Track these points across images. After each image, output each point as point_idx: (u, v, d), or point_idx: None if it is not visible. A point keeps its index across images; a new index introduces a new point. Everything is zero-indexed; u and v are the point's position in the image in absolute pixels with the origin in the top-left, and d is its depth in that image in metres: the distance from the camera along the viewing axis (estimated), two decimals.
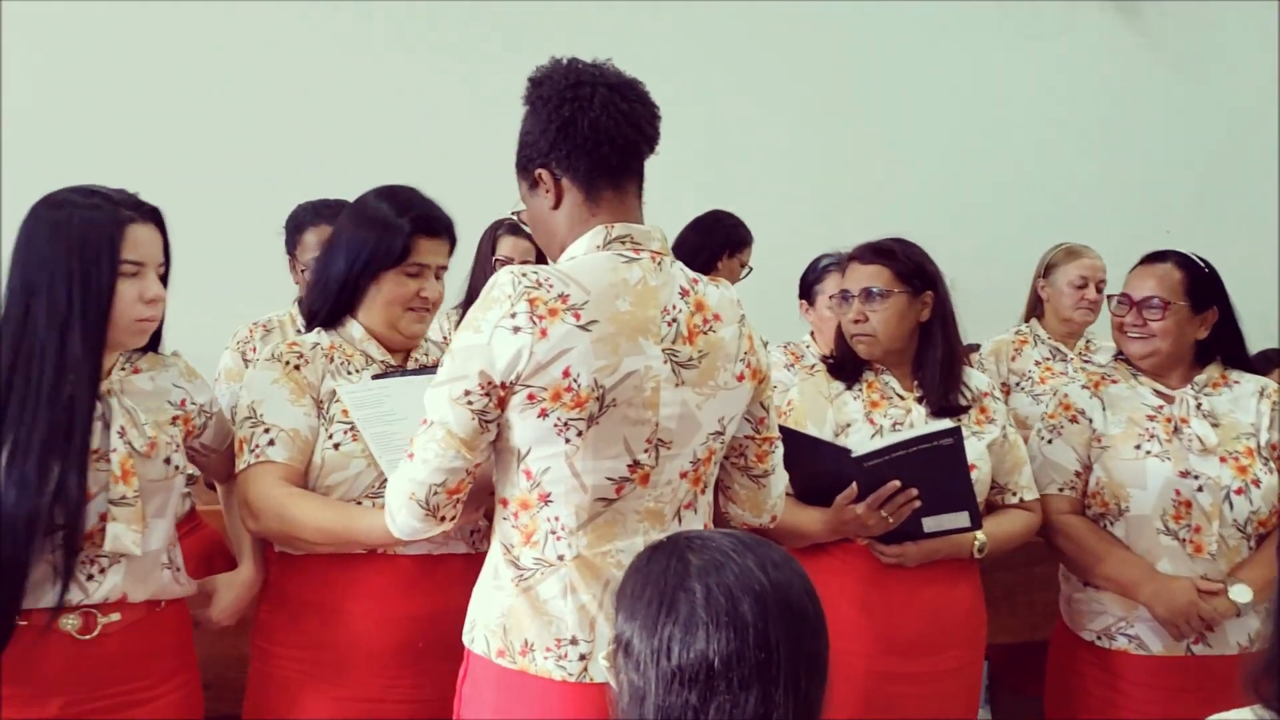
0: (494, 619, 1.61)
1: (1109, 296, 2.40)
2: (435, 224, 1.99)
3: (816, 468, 2.10)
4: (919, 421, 2.23)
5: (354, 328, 2.01)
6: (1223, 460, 2.22)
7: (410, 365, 2.02)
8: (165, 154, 3.77)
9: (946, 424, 2.13)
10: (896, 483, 2.05)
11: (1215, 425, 2.26)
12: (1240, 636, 2.21)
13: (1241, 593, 2.16)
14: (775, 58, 4.59)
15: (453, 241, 2.04)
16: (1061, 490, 2.32)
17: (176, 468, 1.85)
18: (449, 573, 1.93)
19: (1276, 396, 2.32)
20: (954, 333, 2.28)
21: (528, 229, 1.73)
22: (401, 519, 1.60)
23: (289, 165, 3.84)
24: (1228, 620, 2.17)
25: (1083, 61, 4.90)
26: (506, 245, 3.16)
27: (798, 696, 1.13)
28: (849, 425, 2.23)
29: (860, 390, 2.28)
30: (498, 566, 1.62)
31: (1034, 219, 4.48)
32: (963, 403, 2.26)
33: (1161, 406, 2.30)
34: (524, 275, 1.54)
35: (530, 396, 1.52)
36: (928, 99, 4.74)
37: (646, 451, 1.58)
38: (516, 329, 1.50)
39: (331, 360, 1.97)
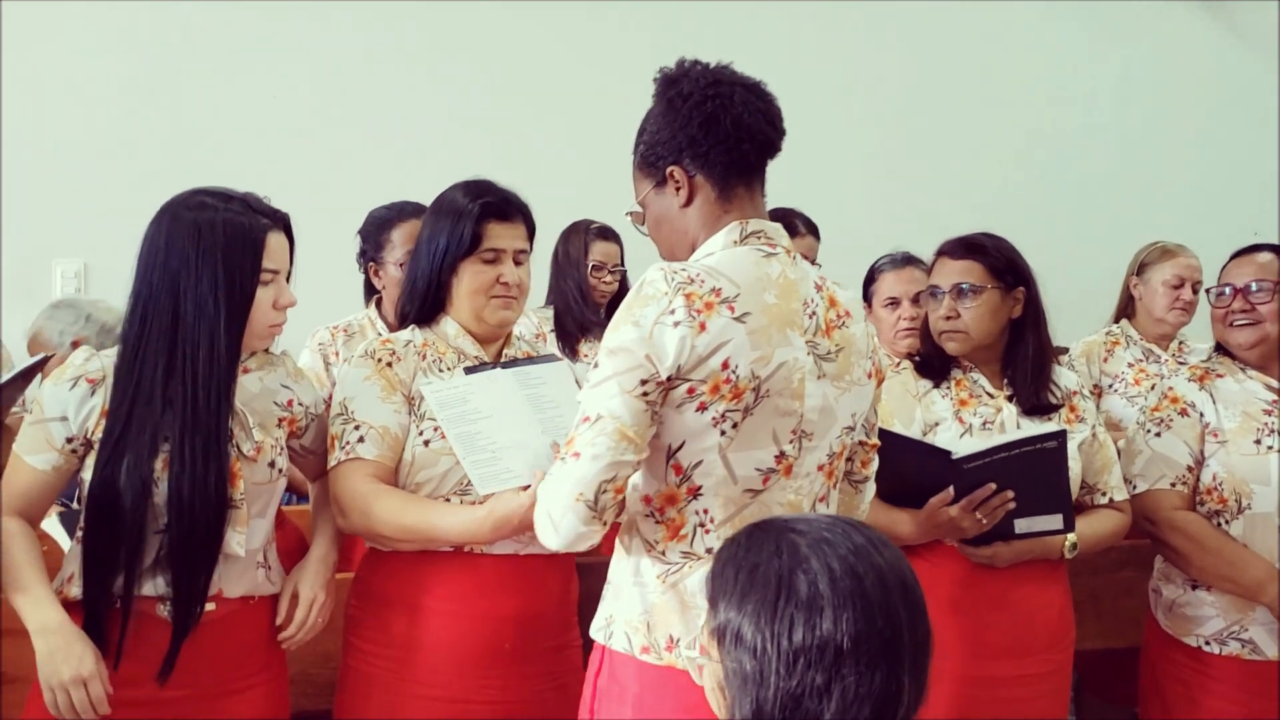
0: (636, 615, 1.59)
1: (1207, 291, 2.34)
2: (506, 207, 1.99)
3: (910, 469, 2.07)
4: (1010, 420, 2.18)
5: (448, 324, 2.01)
6: None
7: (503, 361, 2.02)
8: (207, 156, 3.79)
9: (1051, 426, 2.09)
10: (993, 485, 2.01)
11: None
12: None
13: None
14: (852, 57, 4.55)
15: (529, 225, 2.03)
16: (1174, 485, 2.24)
17: (280, 471, 1.87)
18: (534, 572, 1.93)
19: None
20: (1045, 330, 2.24)
21: (642, 230, 1.72)
22: (567, 523, 1.52)
23: (345, 168, 3.88)
24: None
25: (1170, 60, 4.80)
26: (599, 250, 3.15)
27: (916, 678, 1.11)
28: (937, 424, 2.20)
29: (948, 388, 2.24)
30: (639, 563, 1.60)
31: (1121, 222, 4.40)
32: (1053, 401, 2.22)
33: (1276, 400, 2.23)
34: (675, 272, 1.54)
35: (690, 390, 1.51)
36: (1011, 99, 4.66)
37: (791, 442, 1.58)
38: (677, 323, 1.49)
39: (424, 358, 1.98)
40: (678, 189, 1.62)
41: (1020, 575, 2.14)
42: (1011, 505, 2.04)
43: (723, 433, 1.53)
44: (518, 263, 2.01)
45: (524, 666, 1.93)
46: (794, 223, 3.29)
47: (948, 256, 2.25)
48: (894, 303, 2.77)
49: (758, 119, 1.59)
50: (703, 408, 1.52)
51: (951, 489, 2.03)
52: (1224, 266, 2.33)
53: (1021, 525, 2.09)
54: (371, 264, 2.80)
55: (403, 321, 2.05)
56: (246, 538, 1.78)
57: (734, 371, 1.51)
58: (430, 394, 1.88)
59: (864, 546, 1.13)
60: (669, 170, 1.61)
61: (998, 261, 2.20)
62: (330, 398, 2.00)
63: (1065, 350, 3.28)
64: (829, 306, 1.63)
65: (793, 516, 1.22)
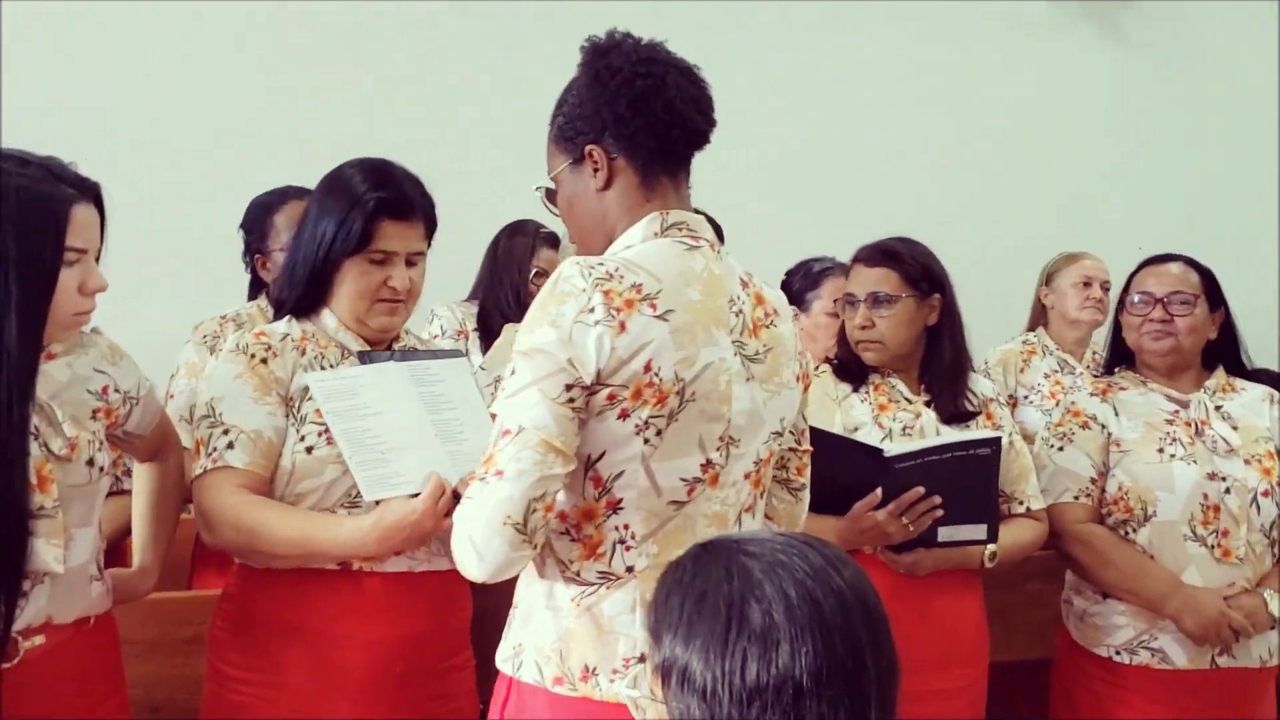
0: (548, 643, 1.44)
1: (1123, 298, 2.32)
2: (403, 204, 1.80)
3: (838, 469, 1.99)
4: (929, 426, 2.14)
5: (327, 317, 1.83)
6: (1247, 462, 2.18)
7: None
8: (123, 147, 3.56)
9: (987, 433, 2.05)
10: (921, 489, 1.95)
11: (1234, 428, 2.21)
12: (1263, 650, 2.16)
13: (1276, 600, 2.11)
14: (774, 59, 4.49)
15: (430, 225, 1.86)
16: (1077, 498, 2.23)
17: (101, 468, 1.64)
18: (429, 591, 1.77)
19: None
20: (961, 336, 2.21)
21: (552, 210, 1.57)
22: (494, 551, 1.35)
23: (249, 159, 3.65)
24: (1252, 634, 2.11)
25: (1071, 70, 4.87)
26: (545, 258, 2.98)
27: (884, 709, 0.99)
28: (857, 429, 2.14)
29: (867, 393, 2.19)
30: (552, 585, 1.46)
31: (1030, 226, 4.44)
32: (970, 409, 2.17)
33: (1178, 411, 2.24)
34: (592, 267, 1.41)
35: (611, 396, 1.38)
36: (921, 106, 4.66)
37: (719, 450, 1.46)
38: (596, 322, 1.37)
39: (303, 353, 1.79)
40: (596, 170, 1.48)
41: (939, 586, 2.10)
42: (939, 512, 1.98)
43: (646, 441, 1.40)
44: (411, 264, 1.83)
45: (414, 690, 1.78)
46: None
47: (863, 264, 2.20)
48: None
49: (690, 106, 1.47)
50: (624, 415, 1.39)
51: (880, 490, 1.97)
52: (1135, 274, 2.32)
53: (945, 534, 2.04)
54: (257, 255, 2.60)
55: (279, 311, 1.86)
56: (68, 551, 1.56)
57: (657, 374, 1.39)
58: (316, 384, 1.69)
59: (822, 568, 1.01)
60: (588, 149, 1.48)
61: (913, 269, 2.16)
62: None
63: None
64: (756, 304, 1.52)
65: (745, 536, 1.09)
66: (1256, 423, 2.23)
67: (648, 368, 1.38)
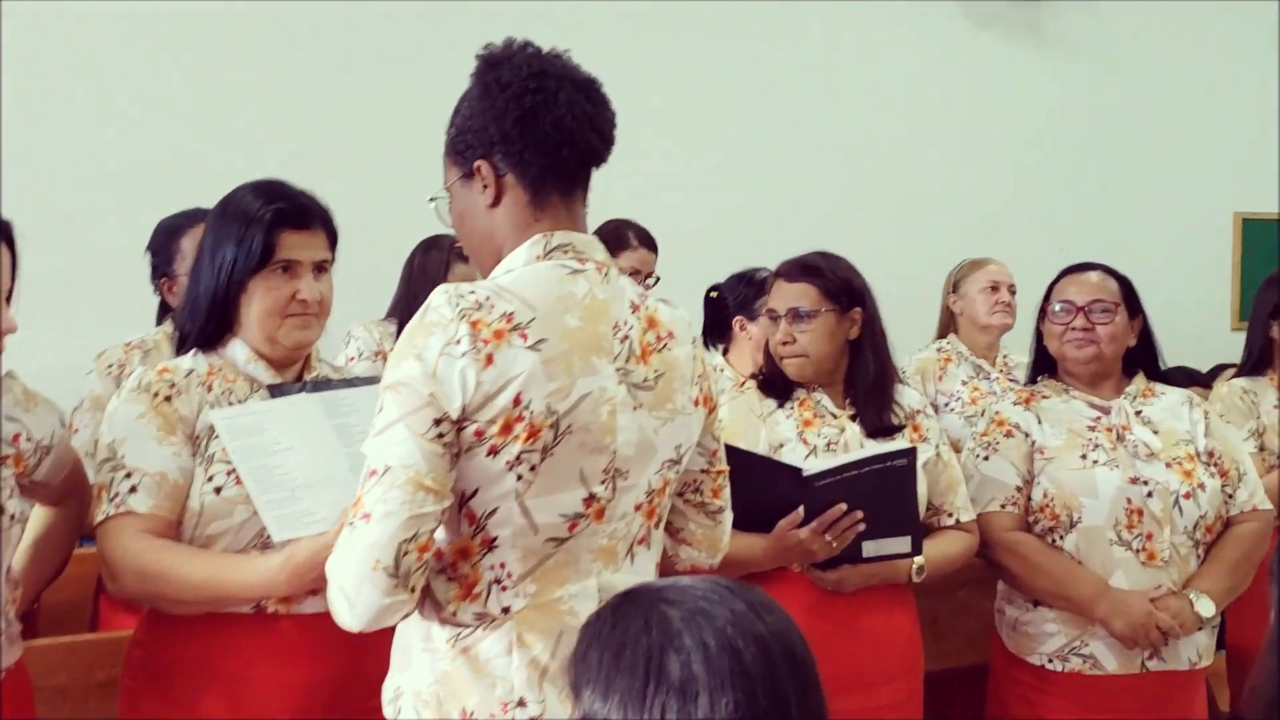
0: (426, 686, 1.39)
1: (1044, 307, 2.33)
2: (302, 213, 1.75)
3: (759, 490, 1.97)
4: (853, 440, 2.13)
5: (236, 348, 1.76)
6: (1168, 466, 2.20)
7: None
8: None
9: (901, 444, 2.04)
10: (843, 505, 1.94)
11: (1155, 433, 2.24)
12: (1191, 652, 2.17)
13: (1206, 606, 2.12)
14: (683, 62, 4.46)
15: (331, 233, 1.81)
16: (1004, 507, 2.24)
17: (12, 516, 1.58)
18: (347, 632, 1.70)
19: (1204, 405, 2.34)
20: (884, 349, 2.20)
21: (446, 222, 1.51)
22: (366, 598, 1.29)
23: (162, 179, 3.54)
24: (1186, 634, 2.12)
25: (991, 75, 4.91)
26: (460, 273, 2.91)
27: None
28: (782, 445, 2.12)
29: (792, 408, 2.18)
30: (430, 626, 1.40)
31: (942, 232, 4.47)
32: (896, 421, 2.16)
33: (1099, 417, 2.26)
34: (461, 295, 1.35)
35: (478, 433, 1.32)
36: (849, 112, 4.67)
37: (603, 483, 1.40)
38: (461, 355, 1.31)
39: (210, 389, 1.72)
40: (485, 187, 1.43)
41: (868, 602, 2.08)
42: (861, 527, 1.97)
43: (519, 477, 1.35)
44: (318, 275, 1.77)
45: None
46: (625, 235, 3.16)
47: (784, 279, 2.19)
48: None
49: (582, 123, 1.41)
50: (494, 451, 1.33)
51: (802, 509, 1.95)
52: (1056, 282, 2.34)
53: (869, 548, 2.02)
54: (164, 279, 2.52)
55: (182, 345, 1.78)
56: None
57: (527, 408, 1.33)
58: (221, 421, 1.63)
59: (744, 614, 0.98)
60: (476, 164, 1.43)
61: (832, 283, 2.15)
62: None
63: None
64: (646, 328, 1.46)
65: (666, 583, 1.05)
66: (1176, 426, 2.25)
67: (517, 401, 1.33)
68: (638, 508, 1.46)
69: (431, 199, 1.51)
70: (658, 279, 3.24)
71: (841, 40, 4.67)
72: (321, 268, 1.78)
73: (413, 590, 1.31)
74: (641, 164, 4.24)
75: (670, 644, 0.96)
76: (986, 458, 2.27)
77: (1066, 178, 4.98)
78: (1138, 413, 2.26)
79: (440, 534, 1.36)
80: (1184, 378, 3.83)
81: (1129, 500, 2.15)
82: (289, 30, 3.91)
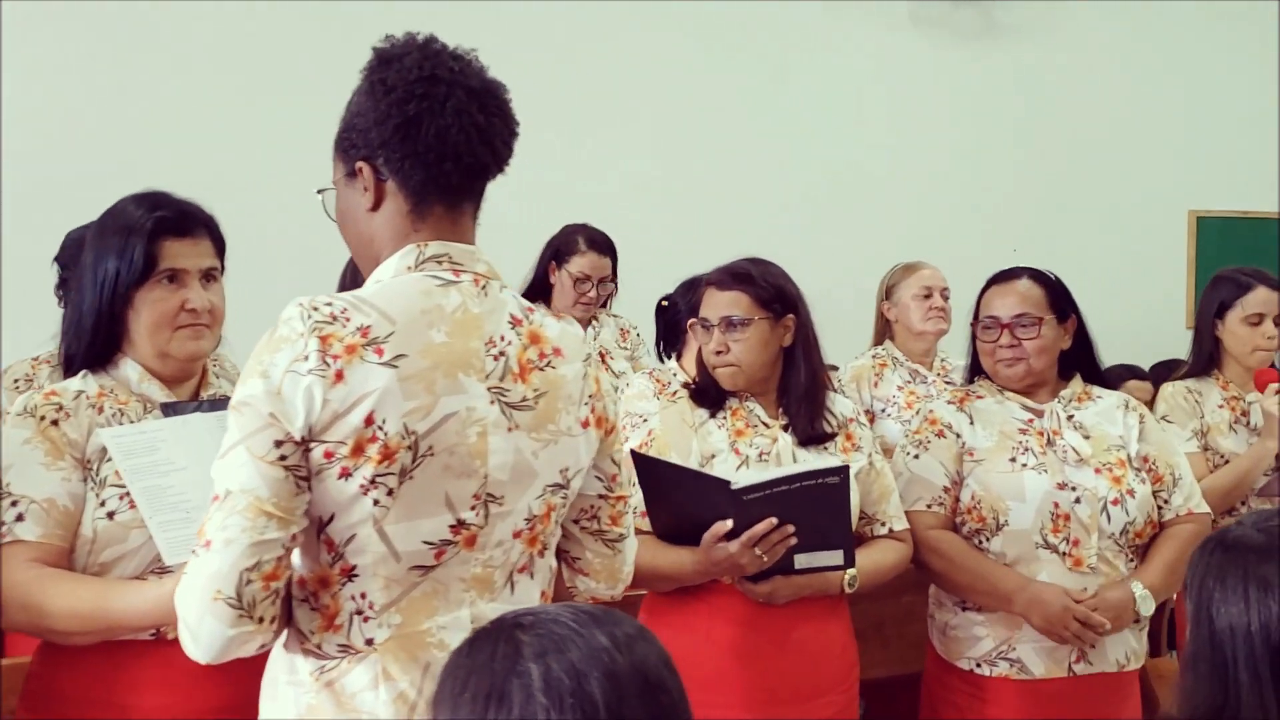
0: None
1: (973, 323, 2.32)
2: (185, 220, 1.70)
3: (687, 503, 1.94)
4: (785, 451, 2.10)
5: (128, 367, 1.71)
6: (1097, 471, 2.18)
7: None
8: None
9: (834, 460, 2.01)
10: (774, 520, 1.89)
11: (1086, 437, 2.22)
12: (1119, 654, 2.16)
13: (1147, 604, 2.11)
14: (616, 65, 4.44)
15: (217, 241, 1.76)
16: (930, 506, 2.22)
17: None
18: (247, 658, 1.65)
19: (1140, 409, 2.32)
20: (817, 357, 2.17)
21: (331, 216, 1.45)
22: (209, 630, 1.24)
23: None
24: (1112, 629, 2.10)
25: (926, 79, 4.91)
26: None
27: None
28: (714, 456, 2.08)
29: (725, 418, 2.14)
30: (294, 659, 1.34)
31: (894, 235, 4.46)
32: (828, 430, 2.14)
33: (1031, 420, 2.25)
34: (315, 308, 1.28)
35: (327, 454, 1.26)
36: (782, 119, 4.65)
37: (474, 509, 1.34)
38: (308, 372, 1.25)
39: (100, 410, 1.67)
40: (365, 189, 1.37)
41: (801, 614, 2.05)
42: (792, 541, 1.93)
43: (376, 502, 1.28)
44: (207, 284, 1.72)
45: None
46: (574, 239, 3.13)
47: (715, 288, 2.15)
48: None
49: (469, 136, 1.34)
50: (346, 474, 1.26)
51: (730, 521, 1.91)
52: (984, 292, 2.32)
53: (801, 561, 1.99)
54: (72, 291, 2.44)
55: (69, 366, 1.73)
56: None
57: (381, 428, 1.26)
58: (112, 440, 1.58)
59: (601, 645, 0.95)
60: (358, 165, 1.37)
61: (765, 291, 2.11)
62: None
63: (835, 368, 3.24)
64: (528, 344, 1.39)
65: (526, 612, 1.02)
66: (1109, 431, 2.24)
67: (369, 420, 1.26)
68: (517, 534, 1.39)
69: (320, 191, 1.45)
70: (615, 284, 3.21)
71: (790, 45, 4.66)
72: (210, 276, 1.73)
73: (262, 620, 1.25)
74: (573, 172, 4.24)
75: (514, 671, 0.94)
76: (917, 456, 2.25)
77: (1020, 178, 4.99)
78: (1070, 417, 2.24)
79: (300, 562, 1.31)
80: (1126, 373, 3.84)
81: (1056, 505, 2.13)
82: (286, 30, 3.88)
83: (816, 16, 4.66)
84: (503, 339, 1.37)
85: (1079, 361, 2.31)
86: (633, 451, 2.02)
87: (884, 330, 3.34)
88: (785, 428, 2.12)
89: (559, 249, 3.13)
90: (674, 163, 4.46)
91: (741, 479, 1.93)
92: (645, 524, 2.06)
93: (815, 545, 1.96)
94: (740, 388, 2.13)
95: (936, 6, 4.82)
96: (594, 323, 3.19)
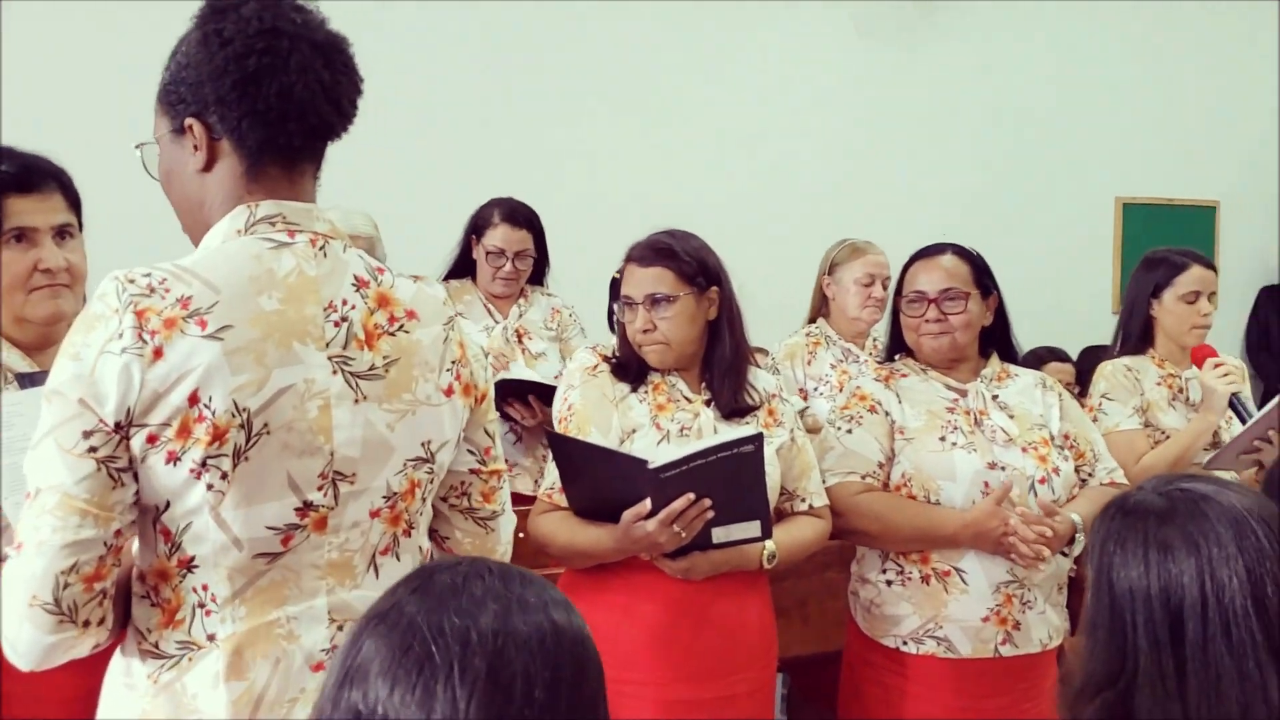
0: None
1: (897, 295, 2.31)
2: (32, 175, 1.61)
3: (604, 481, 1.91)
4: (707, 425, 2.07)
5: None
6: (1024, 451, 2.19)
7: None
8: None
9: (748, 430, 1.97)
10: (691, 495, 1.86)
11: (1011, 417, 2.22)
12: (1043, 634, 2.17)
13: (1080, 541, 2.11)
14: (566, 45, 4.38)
15: (71, 197, 1.67)
16: (864, 478, 2.20)
17: None
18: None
19: (1058, 388, 2.34)
20: (740, 330, 2.14)
21: (153, 175, 1.35)
22: (26, 639, 1.16)
23: None
24: (1049, 551, 2.09)
25: (872, 65, 4.91)
26: None
27: None
28: (634, 430, 2.05)
29: (646, 393, 2.10)
30: (130, 661, 1.26)
31: (830, 222, 4.43)
32: (751, 404, 2.12)
33: (957, 399, 2.24)
34: (132, 280, 1.18)
35: (151, 438, 1.17)
36: (714, 98, 4.62)
37: (321, 489, 1.25)
38: (123, 351, 1.16)
39: None
40: (195, 148, 1.27)
41: (720, 590, 2.03)
42: (710, 515, 1.90)
43: (209, 486, 1.19)
44: (63, 238, 1.64)
45: None
46: (489, 212, 3.06)
47: (637, 264, 2.09)
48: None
49: (315, 94, 1.24)
50: (174, 458, 1.17)
51: (648, 502, 1.87)
52: (908, 267, 2.31)
53: (719, 534, 1.97)
54: None
55: None
56: None
57: (207, 406, 1.17)
58: None
59: (467, 604, 0.91)
60: (188, 122, 1.26)
61: (688, 265, 2.07)
62: None
63: (766, 351, 3.23)
64: (376, 308, 1.29)
65: (448, 564, 0.97)
66: (1031, 410, 2.25)
67: (194, 399, 1.17)
68: (375, 514, 1.30)
69: (139, 146, 1.35)
70: (535, 259, 3.15)
71: (729, 44, 4.64)
72: (65, 232, 1.64)
73: (88, 624, 1.17)
74: (515, 166, 4.19)
75: (366, 628, 0.92)
76: (850, 430, 2.23)
77: (953, 167, 5.02)
78: (994, 397, 2.24)
79: (139, 554, 1.24)
80: (1048, 355, 3.89)
81: (986, 484, 2.13)
82: None
83: (757, 15, 4.64)
84: (345, 303, 1.27)
85: (995, 340, 2.32)
86: (547, 431, 2.00)
87: (820, 304, 3.32)
88: (707, 402, 2.10)
89: (477, 222, 3.08)
90: (617, 166, 4.42)
91: (660, 456, 1.90)
92: (563, 499, 2.04)
93: (733, 518, 1.94)
94: (668, 365, 2.10)
95: (877, 7, 4.83)
96: (522, 300, 3.14)
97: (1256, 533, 1.06)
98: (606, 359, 2.16)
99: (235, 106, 1.22)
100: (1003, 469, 2.14)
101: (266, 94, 1.22)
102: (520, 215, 3.06)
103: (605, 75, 4.42)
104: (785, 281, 3.83)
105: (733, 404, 2.09)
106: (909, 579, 2.17)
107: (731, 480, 1.89)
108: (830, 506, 2.18)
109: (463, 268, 3.10)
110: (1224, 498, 1.09)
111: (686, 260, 2.07)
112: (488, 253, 3.03)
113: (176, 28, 1.29)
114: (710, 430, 2.06)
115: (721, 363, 2.10)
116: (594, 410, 2.06)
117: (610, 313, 3.11)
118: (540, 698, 0.87)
